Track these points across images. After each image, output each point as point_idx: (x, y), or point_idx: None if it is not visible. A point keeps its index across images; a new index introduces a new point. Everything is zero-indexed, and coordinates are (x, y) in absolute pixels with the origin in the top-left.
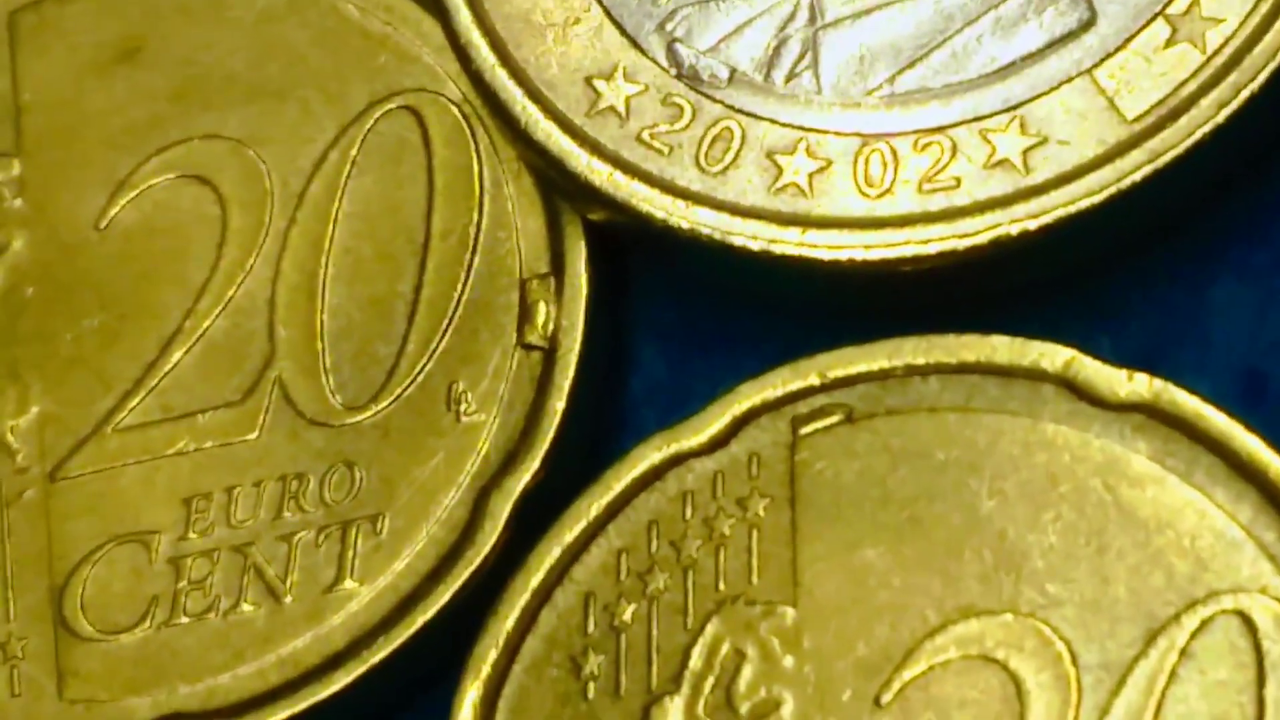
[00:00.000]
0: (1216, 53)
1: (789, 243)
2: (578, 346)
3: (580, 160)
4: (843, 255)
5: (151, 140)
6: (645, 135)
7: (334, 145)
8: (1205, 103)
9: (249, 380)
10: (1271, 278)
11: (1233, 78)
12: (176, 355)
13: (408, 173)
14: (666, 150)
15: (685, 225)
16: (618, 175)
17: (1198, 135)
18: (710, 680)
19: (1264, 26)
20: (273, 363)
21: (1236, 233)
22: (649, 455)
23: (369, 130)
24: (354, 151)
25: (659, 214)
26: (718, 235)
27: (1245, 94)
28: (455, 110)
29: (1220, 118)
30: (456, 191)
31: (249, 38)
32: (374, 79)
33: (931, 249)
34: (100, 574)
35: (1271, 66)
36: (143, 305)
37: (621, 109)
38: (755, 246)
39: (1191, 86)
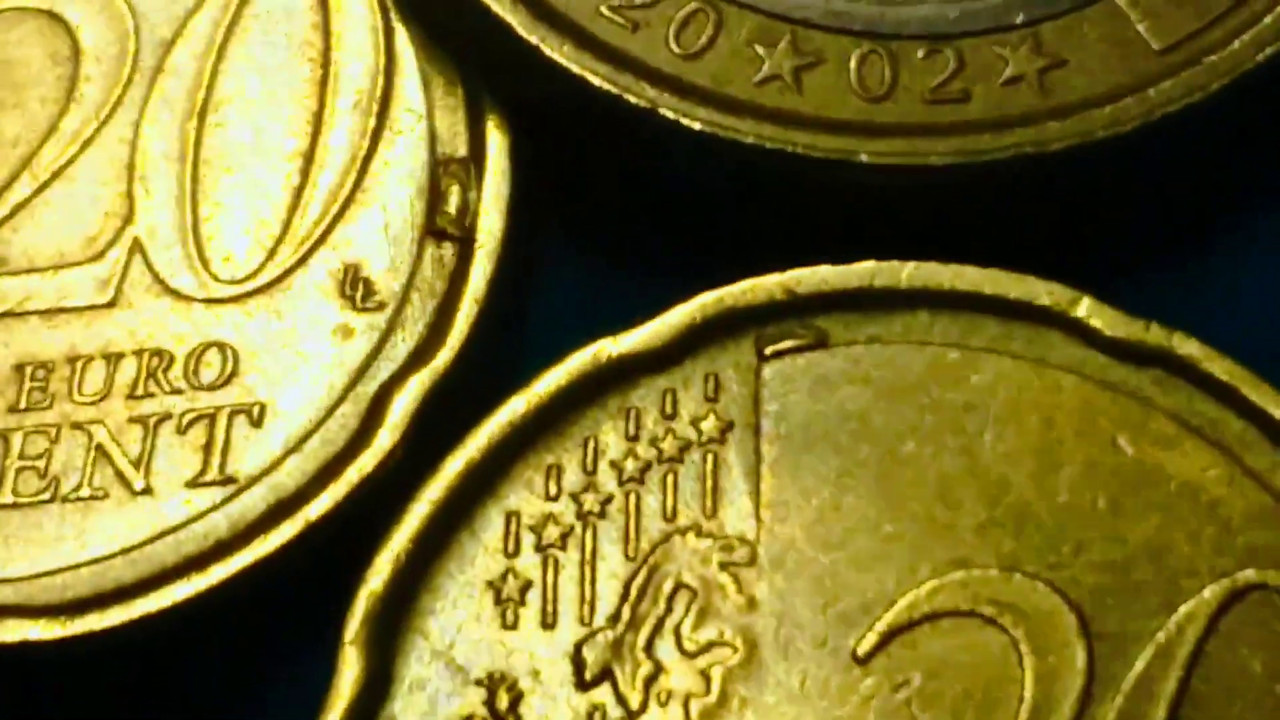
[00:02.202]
0: None
1: (779, 140)
2: (499, 237)
3: (532, 28)
4: (839, 159)
5: None
6: (607, 9)
7: None
8: (1242, 41)
9: (104, 240)
10: None
11: (1270, 19)
12: (13, 200)
13: (299, 32)
14: (632, 26)
15: (667, 113)
16: (570, 47)
17: (1235, 74)
18: (654, 618)
19: None
20: (131, 220)
21: (1267, 189)
22: (587, 363)
23: None
24: (235, 2)
25: (626, 95)
26: (694, 124)
27: None
28: None
29: (1260, 58)
30: (358, 58)
31: None
32: None
33: (940, 162)
34: None
35: None
36: None
37: None
38: (746, 140)
39: (1228, 22)
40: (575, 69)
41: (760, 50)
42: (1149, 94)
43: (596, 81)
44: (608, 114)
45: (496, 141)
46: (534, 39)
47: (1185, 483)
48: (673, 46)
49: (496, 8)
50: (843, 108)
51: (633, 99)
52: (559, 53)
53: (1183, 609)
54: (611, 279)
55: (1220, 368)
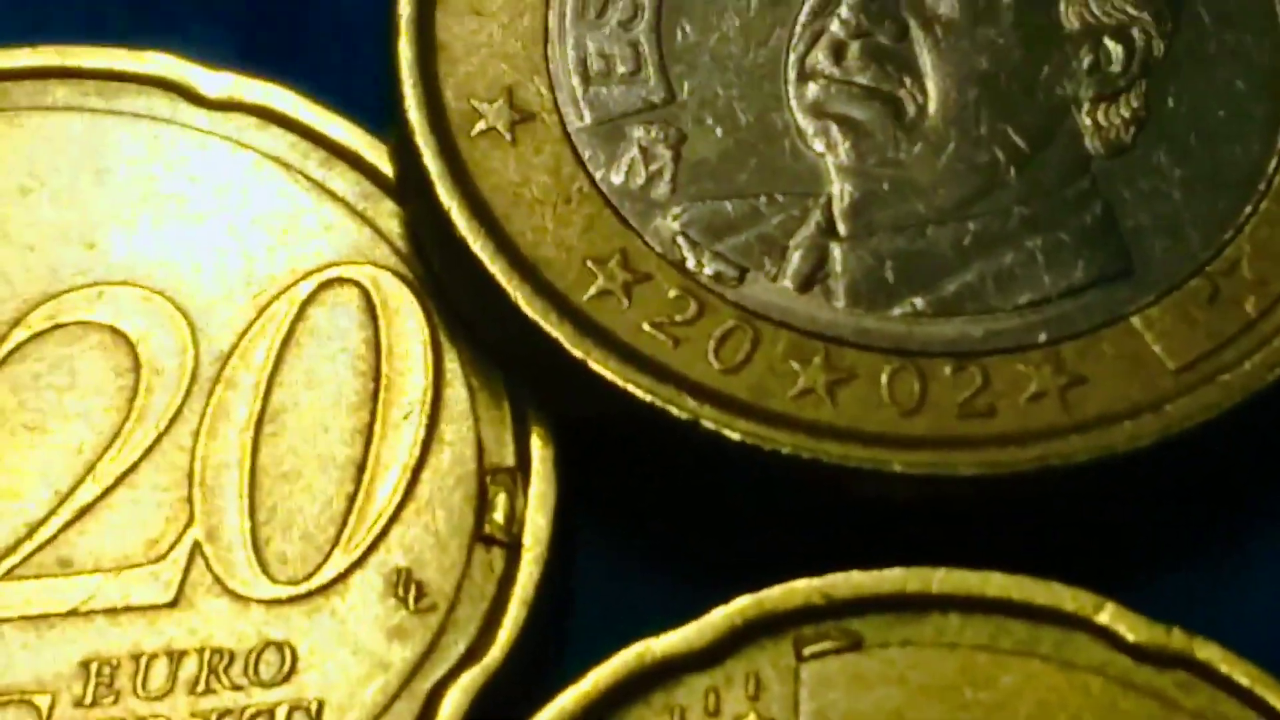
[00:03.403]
0: (1264, 314)
1: (814, 451)
2: (545, 543)
3: (578, 344)
4: (872, 470)
5: (58, 280)
6: (648, 326)
7: (266, 309)
8: (1253, 361)
9: (166, 542)
10: None
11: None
12: (78, 504)
13: (351, 346)
14: (673, 342)
15: (708, 424)
16: (615, 361)
17: (1248, 392)
18: None
19: None
20: (191, 524)
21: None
22: (632, 661)
23: (308, 298)
24: (289, 319)
25: (669, 408)
26: (734, 435)
27: None
28: (407, 289)
29: (1271, 377)
30: (408, 371)
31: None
32: (320, 246)
33: (969, 473)
34: None
35: None
36: (35, 447)
37: (623, 295)
38: (784, 451)
39: (1240, 344)
40: (620, 382)
41: (795, 366)
42: (1166, 410)
43: (640, 394)
44: (650, 425)
45: (541, 451)
46: (580, 353)
47: None
48: (712, 361)
49: (545, 324)
50: (875, 420)
51: (675, 411)
52: (604, 366)
53: None
54: (653, 579)
55: (1241, 671)
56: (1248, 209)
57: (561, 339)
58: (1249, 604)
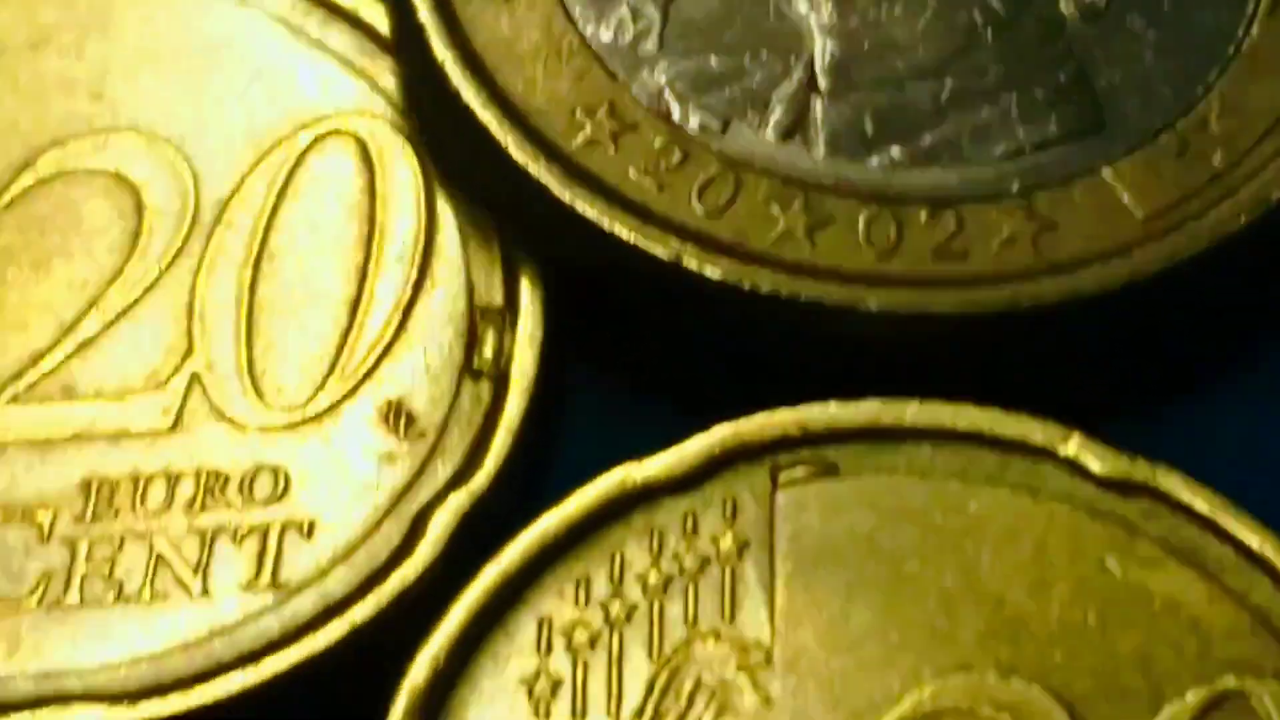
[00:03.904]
0: (1231, 167)
1: (793, 290)
2: (531, 376)
3: (566, 188)
4: (849, 307)
5: (65, 128)
6: (633, 172)
7: (266, 157)
8: (1219, 210)
9: (165, 372)
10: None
11: (1245, 192)
12: (81, 336)
13: (348, 193)
14: (658, 187)
15: (690, 263)
16: (601, 204)
17: (1213, 239)
18: (676, 713)
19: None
20: (190, 355)
21: (1242, 340)
22: (614, 486)
23: (305, 150)
24: (288, 167)
25: (652, 247)
26: (714, 274)
27: (1264, 207)
28: (402, 140)
29: (1235, 226)
30: (402, 216)
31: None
32: (319, 100)
33: (943, 310)
34: None
35: None
36: (40, 282)
37: (610, 144)
38: (763, 290)
39: (1206, 194)
40: (605, 223)
41: (776, 210)
42: (1133, 255)
43: (625, 234)
44: (634, 265)
45: (529, 292)
46: (567, 197)
47: (1169, 600)
48: (695, 205)
49: (533, 170)
50: (852, 262)
51: (658, 251)
52: (590, 209)
53: (1167, 709)
54: (636, 411)
55: (1201, 498)
56: (1216, 69)
57: (550, 183)
58: (1209, 437)
